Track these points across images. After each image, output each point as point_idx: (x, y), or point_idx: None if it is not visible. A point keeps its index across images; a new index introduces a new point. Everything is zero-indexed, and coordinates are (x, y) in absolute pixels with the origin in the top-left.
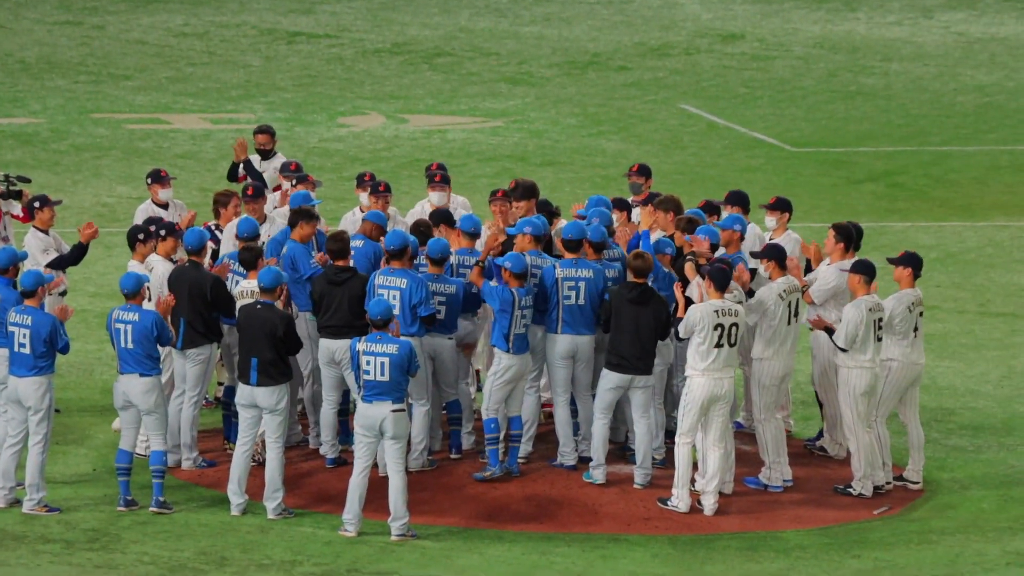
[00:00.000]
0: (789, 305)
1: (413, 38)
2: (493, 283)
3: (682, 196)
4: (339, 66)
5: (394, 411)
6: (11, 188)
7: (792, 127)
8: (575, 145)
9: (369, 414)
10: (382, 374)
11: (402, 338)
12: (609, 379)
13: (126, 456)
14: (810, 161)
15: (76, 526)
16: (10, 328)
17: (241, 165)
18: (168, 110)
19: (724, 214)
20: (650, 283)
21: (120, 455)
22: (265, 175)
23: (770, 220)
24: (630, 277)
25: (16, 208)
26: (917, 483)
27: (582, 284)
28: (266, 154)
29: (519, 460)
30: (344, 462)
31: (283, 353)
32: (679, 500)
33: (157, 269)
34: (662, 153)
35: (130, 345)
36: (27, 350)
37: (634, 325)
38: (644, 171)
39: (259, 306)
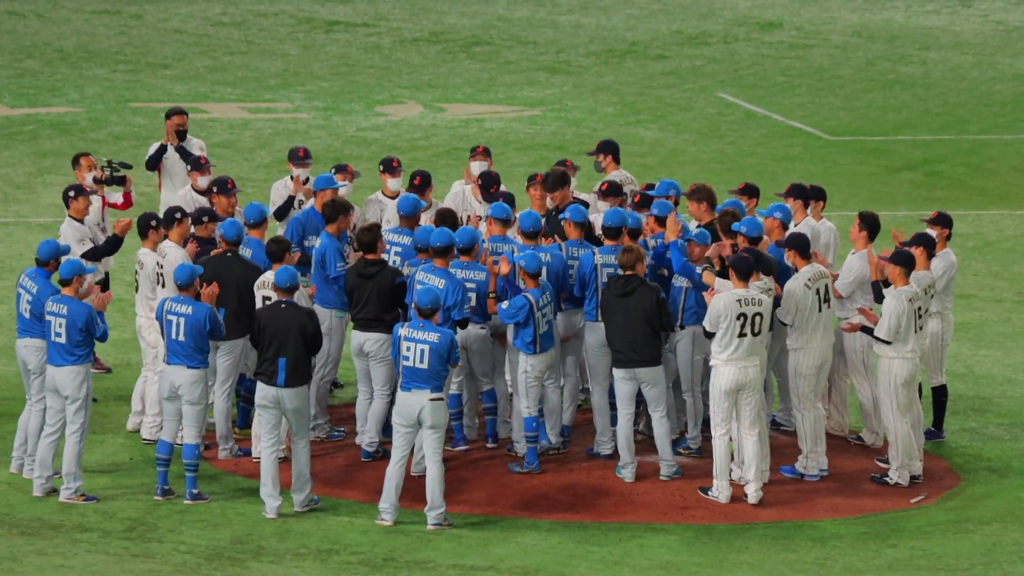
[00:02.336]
0: (817, 292)
1: (451, 27)
2: (505, 305)
3: (719, 185)
4: (377, 55)
5: (432, 400)
6: (114, 174)
7: (830, 116)
8: (613, 134)
9: (407, 403)
10: (421, 361)
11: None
12: (615, 373)
13: (166, 447)
14: (848, 150)
15: (113, 515)
16: (47, 317)
17: (176, 150)
18: (206, 99)
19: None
20: (682, 280)
21: (160, 445)
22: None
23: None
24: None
25: (117, 196)
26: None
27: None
28: (183, 135)
29: (547, 448)
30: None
31: (309, 352)
32: (719, 491)
33: (170, 256)
34: (700, 142)
35: (182, 338)
36: (63, 339)
37: (621, 318)
38: (603, 147)
39: (283, 306)
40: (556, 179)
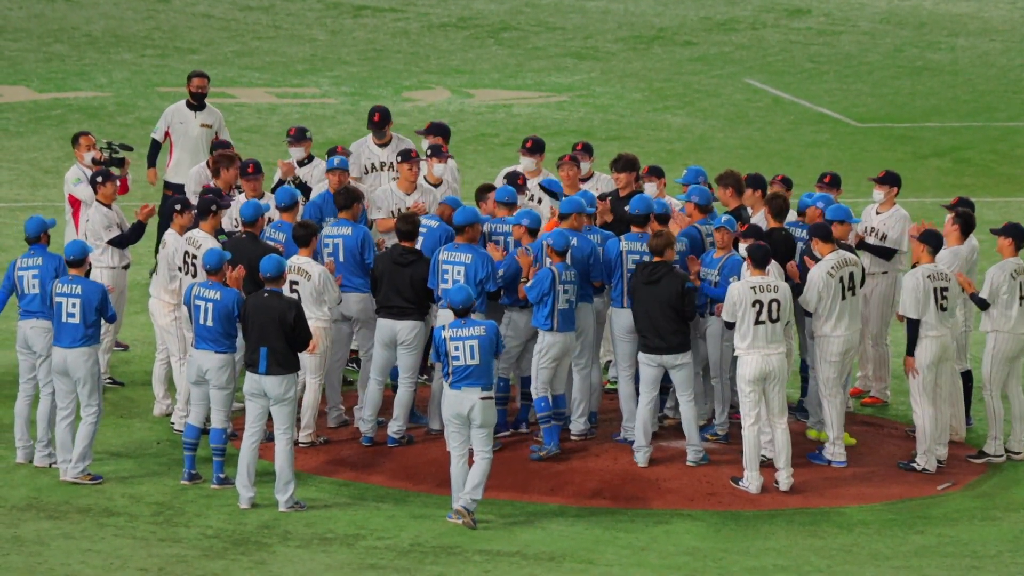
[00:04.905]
0: (841, 280)
1: (479, 12)
2: (529, 284)
3: (746, 171)
4: (405, 40)
5: (482, 399)
6: (114, 156)
7: (858, 102)
8: (640, 120)
9: (458, 401)
10: (472, 357)
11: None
12: (640, 357)
13: (194, 431)
14: (876, 136)
15: (140, 499)
16: (56, 299)
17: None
18: (234, 84)
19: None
20: (714, 272)
21: (188, 429)
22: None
23: (878, 193)
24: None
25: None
26: (1020, 453)
27: (647, 258)
28: (200, 99)
29: (573, 438)
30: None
31: (292, 343)
32: (749, 482)
33: (204, 247)
34: (727, 128)
35: (210, 323)
36: (76, 319)
37: (647, 305)
38: (383, 114)
39: (266, 294)
40: (626, 162)
